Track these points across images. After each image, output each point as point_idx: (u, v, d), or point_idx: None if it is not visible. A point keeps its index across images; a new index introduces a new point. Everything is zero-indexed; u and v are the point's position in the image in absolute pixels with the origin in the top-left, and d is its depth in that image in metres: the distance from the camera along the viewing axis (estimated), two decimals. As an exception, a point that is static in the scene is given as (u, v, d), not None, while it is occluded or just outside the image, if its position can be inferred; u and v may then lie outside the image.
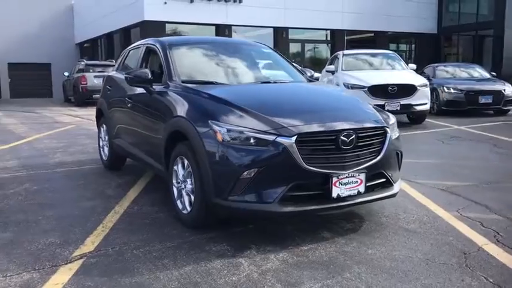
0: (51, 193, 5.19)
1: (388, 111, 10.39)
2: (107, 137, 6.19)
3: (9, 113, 15.92)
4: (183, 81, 4.47)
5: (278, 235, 3.83)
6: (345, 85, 10.84)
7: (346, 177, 3.63)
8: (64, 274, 3.13)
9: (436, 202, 4.68)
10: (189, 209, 3.93)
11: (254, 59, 5.25)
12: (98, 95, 6.86)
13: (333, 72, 12.14)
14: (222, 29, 22.68)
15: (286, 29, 24.47)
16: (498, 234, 3.81)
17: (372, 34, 27.07)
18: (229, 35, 22.89)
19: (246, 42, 5.62)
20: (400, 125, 10.86)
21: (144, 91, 4.73)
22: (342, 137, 3.61)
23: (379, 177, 3.95)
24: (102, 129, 6.42)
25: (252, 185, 3.49)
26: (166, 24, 21.57)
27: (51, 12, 31.86)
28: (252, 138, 3.50)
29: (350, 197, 3.69)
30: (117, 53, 23.95)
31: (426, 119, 11.31)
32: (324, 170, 3.55)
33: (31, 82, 30.26)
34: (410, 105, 10.55)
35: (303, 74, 5.25)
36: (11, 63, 30.10)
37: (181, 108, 4.06)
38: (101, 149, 6.50)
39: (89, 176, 6.05)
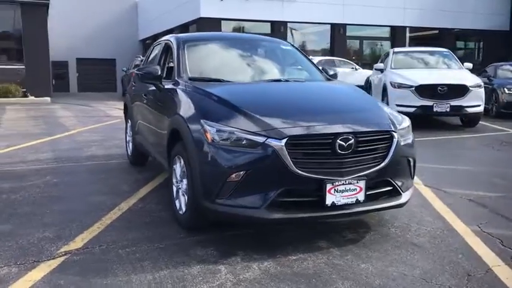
0: (67, 186, 5.28)
1: (436, 112, 9.96)
2: (131, 133, 6.23)
3: (68, 106, 16.63)
4: (190, 79, 4.37)
5: (271, 242, 3.64)
6: (391, 84, 10.38)
7: (343, 184, 3.37)
8: (41, 271, 3.11)
9: (458, 214, 4.29)
10: (184, 209, 3.83)
11: (270, 56, 5.06)
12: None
13: (381, 71, 11.66)
14: (278, 26, 22.52)
15: (343, 25, 23.90)
16: (517, 254, 3.41)
17: (437, 31, 25.87)
18: (285, 32, 22.71)
19: (265, 39, 5.43)
20: (451, 127, 10.32)
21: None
22: (339, 141, 3.35)
23: (384, 185, 3.65)
24: (127, 124, 6.48)
25: (240, 189, 3.32)
26: (222, 21, 21.68)
27: (117, 10, 33.05)
28: (241, 140, 3.33)
29: (347, 205, 3.43)
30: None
31: (481, 122, 10.57)
32: (318, 176, 3.31)
33: (97, 77, 31.59)
34: (462, 107, 9.89)
35: (322, 73, 4.99)
36: (79, 58, 31.52)
37: (181, 106, 3.96)
38: (127, 144, 6.56)
39: (112, 170, 6.11)
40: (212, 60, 4.85)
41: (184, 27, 23.83)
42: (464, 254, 3.41)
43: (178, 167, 3.93)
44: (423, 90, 9.87)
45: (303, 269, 3.16)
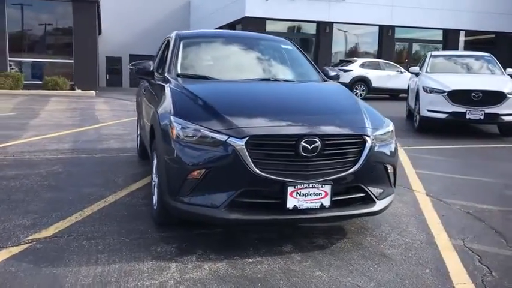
0: (68, 177, 5.44)
1: (469, 120, 9.48)
2: (138, 127, 6.34)
3: (109, 100, 17.18)
4: (178, 75, 4.38)
5: (235, 243, 3.58)
6: (423, 89, 9.98)
7: (306, 187, 3.26)
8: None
9: (447, 226, 4.06)
10: (156, 205, 3.84)
11: (266, 55, 4.98)
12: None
13: (416, 74, 11.24)
14: (323, 26, 22.29)
15: (392, 27, 23.33)
16: (491, 273, 3.17)
17: (493, 35, 24.73)
18: (330, 33, 22.44)
19: (265, 38, 5.35)
20: (486, 136, 9.77)
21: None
22: (302, 143, 3.24)
23: (356, 192, 3.50)
24: (138, 118, 6.60)
25: (200, 187, 3.28)
26: (267, 21, 21.69)
27: (170, 9, 33.82)
28: (204, 137, 3.29)
29: (312, 210, 3.31)
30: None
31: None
32: (279, 178, 3.22)
33: (148, 73, 32.42)
34: (497, 115, 9.33)
35: (319, 73, 4.87)
36: (132, 54, 32.48)
37: (160, 102, 3.97)
38: (137, 138, 6.68)
39: (118, 163, 6.24)
40: (205, 57, 4.84)
41: (230, 27, 24.04)
42: (432, 269, 3.21)
43: (154, 163, 3.94)
44: (456, 95, 9.41)
45: (254, 272, 3.08)
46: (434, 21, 23.22)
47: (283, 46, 5.15)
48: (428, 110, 9.68)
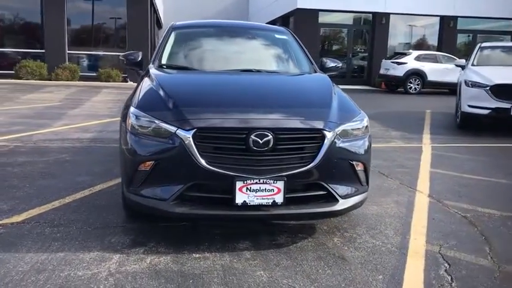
0: (71, 165, 5.58)
1: (512, 116, 8.73)
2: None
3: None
4: (161, 65, 4.36)
5: (194, 237, 3.49)
6: (465, 83, 9.36)
7: (257, 183, 3.11)
8: (-40, 239, 3.33)
9: (431, 231, 3.75)
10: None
11: (256, 45, 4.84)
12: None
13: (462, 67, 10.56)
14: (379, 18, 21.53)
15: (454, 18, 22.10)
16: (450, 284, 2.89)
17: None
18: (387, 24, 21.64)
19: (259, 27, 5.19)
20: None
21: None
22: (253, 137, 3.09)
23: (316, 189, 3.31)
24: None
25: (150, 179, 3.22)
26: (320, 12, 21.28)
27: (229, 1, 34.09)
28: (156, 129, 3.23)
29: (264, 207, 3.16)
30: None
31: None
32: (227, 172, 3.10)
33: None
34: (545, 112, 8.57)
35: (312, 65, 4.66)
36: (191, 47, 33.13)
37: (132, 93, 3.96)
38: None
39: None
40: (193, 47, 4.77)
41: (284, 19, 23.84)
42: (386, 276, 2.96)
43: None
44: (500, 90, 8.73)
45: (192, 268, 2.99)
46: (501, 11, 21.74)
47: (277, 36, 4.98)
48: (470, 106, 9.07)
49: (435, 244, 3.49)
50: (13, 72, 17.57)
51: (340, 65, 4.90)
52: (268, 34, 5.03)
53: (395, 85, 19.45)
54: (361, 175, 3.46)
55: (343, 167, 3.35)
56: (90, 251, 3.21)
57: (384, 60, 19.94)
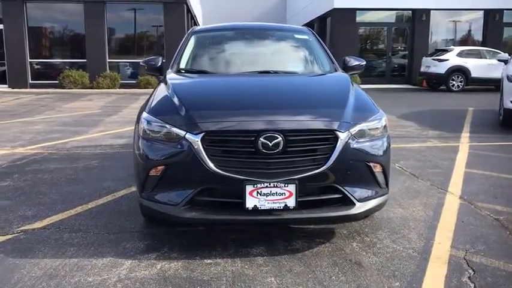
0: (98, 171, 5.66)
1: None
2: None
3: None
4: (179, 70, 4.36)
5: (208, 242, 3.44)
6: (508, 78, 8.94)
7: (267, 186, 3.03)
8: (-21, 246, 3.41)
9: (459, 234, 3.56)
10: (140, 201, 3.83)
11: (275, 46, 4.75)
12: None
13: (505, 62, 10.09)
14: (419, 14, 20.96)
15: (500, 11, 21.20)
16: (473, 292, 2.70)
17: None
18: (427, 21, 21.02)
19: (278, 28, 5.09)
20: None
21: None
22: (262, 139, 3.01)
23: (331, 192, 3.19)
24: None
25: (162, 184, 3.20)
26: (357, 11, 20.93)
27: (267, 4, 34.13)
28: (166, 133, 3.21)
29: (276, 211, 3.07)
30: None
31: None
32: (237, 176, 3.03)
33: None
34: None
35: (333, 64, 4.53)
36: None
37: (147, 99, 3.96)
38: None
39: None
40: (212, 51, 4.74)
41: (321, 20, 23.61)
42: (404, 283, 2.81)
43: None
44: (544, 85, 8.27)
45: (202, 274, 2.94)
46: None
47: (297, 36, 4.87)
48: (512, 101, 8.64)
49: (461, 249, 3.29)
50: (57, 82, 18.19)
51: (364, 63, 4.75)
52: (287, 35, 4.94)
53: (436, 83, 18.85)
54: (380, 177, 3.31)
55: (359, 169, 3.22)
56: (103, 256, 3.21)
57: (424, 58, 19.36)
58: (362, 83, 20.53)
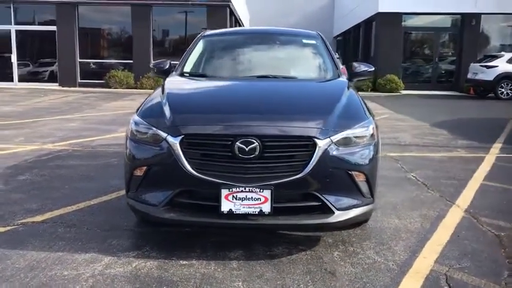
0: (114, 169, 5.84)
1: None
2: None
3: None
4: (182, 74, 4.45)
5: (191, 244, 3.48)
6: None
7: (243, 191, 3.05)
8: (-23, 236, 3.62)
9: (448, 250, 3.44)
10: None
11: (279, 51, 4.76)
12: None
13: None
14: (469, 19, 20.23)
15: (558, 16, 20.11)
16: (442, 310, 2.61)
17: None
18: (477, 26, 20.26)
19: (285, 32, 5.06)
20: None
21: None
22: (238, 144, 3.03)
23: (309, 200, 3.16)
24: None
25: (144, 184, 3.29)
26: (403, 15, 20.48)
27: (315, 6, 33.93)
28: (150, 135, 3.29)
29: (250, 216, 3.08)
30: (362, 45, 24.01)
31: None
32: (214, 179, 3.06)
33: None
34: None
35: (337, 69, 4.47)
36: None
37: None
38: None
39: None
40: (216, 55, 4.80)
41: (366, 24, 23.25)
42: (371, 296, 2.75)
43: None
44: None
45: (173, 275, 2.99)
46: None
47: (304, 41, 4.85)
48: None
49: (445, 264, 3.18)
50: (104, 81, 18.88)
51: (372, 69, 4.65)
52: (295, 39, 4.93)
53: (484, 90, 18.14)
54: (363, 186, 3.25)
55: (340, 177, 3.17)
56: (87, 252, 3.33)
57: (472, 64, 18.66)
58: (405, 89, 20.07)
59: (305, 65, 4.63)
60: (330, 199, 3.15)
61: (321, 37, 4.98)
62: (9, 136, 8.10)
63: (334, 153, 3.12)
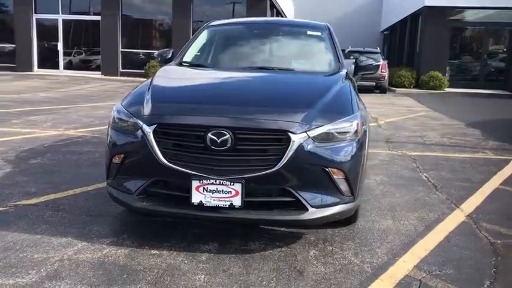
0: (123, 156, 5.92)
1: None
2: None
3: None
4: (180, 63, 4.43)
5: (170, 234, 3.45)
6: None
7: (213, 183, 2.99)
8: (-30, 215, 3.74)
9: (433, 255, 3.25)
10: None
11: (281, 42, 4.65)
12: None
13: None
14: (521, 14, 19.15)
15: None
16: (403, 318, 2.46)
17: None
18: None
19: (293, 23, 4.94)
20: None
21: None
22: (210, 135, 2.97)
23: (284, 195, 3.06)
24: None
25: (122, 172, 3.29)
26: (451, 9, 19.67)
27: (362, 1, 33.19)
28: (129, 123, 3.28)
29: (222, 209, 3.02)
30: (407, 40, 23.35)
31: None
32: (185, 170, 3.02)
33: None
34: None
35: (338, 63, 4.31)
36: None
37: None
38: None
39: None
40: (216, 45, 4.73)
41: (412, 18, 22.54)
42: (332, 298, 2.63)
43: None
44: None
45: (138, 264, 2.97)
46: None
47: (309, 33, 4.71)
48: None
49: (424, 270, 3.00)
50: (143, 71, 19.24)
51: (377, 63, 4.46)
52: (299, 31, 4.79)
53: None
54: (342, 184, 3.11)
55: (316, 174, 3.05)
56: (65, 236, 3.37)
57: (522, 62, 17.73)
58: (450, 87, 19.33)
59: (305, 57, 4.50)
60: (305, 195, 3.04)
61: (328, 29, 4.81)
62: (38, 121, 8.38)
63: (311, 148, 3.00)
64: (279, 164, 2.95)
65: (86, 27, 21.10)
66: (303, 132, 2.99)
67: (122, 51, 20.25)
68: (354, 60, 4.48)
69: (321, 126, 3.07)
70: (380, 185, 4.98)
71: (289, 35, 4.76)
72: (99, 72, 20.38)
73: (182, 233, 3.49)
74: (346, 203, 3.16)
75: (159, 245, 3.26)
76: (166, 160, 3.04)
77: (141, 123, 3.16)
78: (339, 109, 3.30)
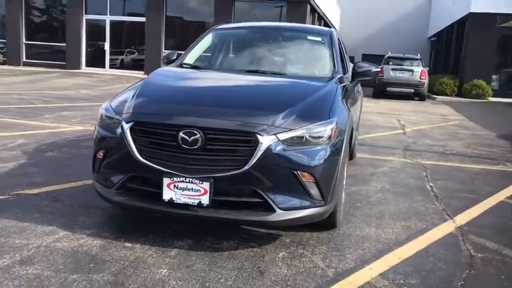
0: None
1: None
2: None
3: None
4: (181, 64, 4.57)
5: (150, 229, 3.57)
6: None
7: (183, 181, 3.09)
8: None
9: (404, 264, 3.21)
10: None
11: (279, 46, 4.69)
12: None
13: None
14: None
15: None
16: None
17: None
18: None
19: (295, 28, 4.94)
20: None
21: None
22: (181, 134, 3.08)
23: (251, 196, 3.13)
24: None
25: (103, 167, 3.45)
26: (498, 16, 18.99)
27: (409, 6, 32.53)
28: (112, 121, 3.43)
29: (190, 206, 3.12)
30: (453, 47, 22.74)
31: None
32: (158, 167, 3.14)
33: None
34: None
35: (334, 68, 4.31)
36: (364, 54, 32.48)
37: None
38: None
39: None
40: (217, 48, 4.84)
41: (459, 25, 21.90)
42: (282, 299, 2.67)
43: None
44: None
45: (108, 255, 3.09)
46: None
47: (309, 38, 4.73)
48: None
49: (387, 278, 2.98)
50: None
51: (376, 69, 4.43)
52: (300, 35, 4.83)
53: None
54: (311, 188, 3.14)
55: (285, 177, 3.09)
56: (51, 225, 3.56)
57: None
58: (495, 96, 18.63)
59: (300, 62, 4.53)
60: (273, 197, 3.09)
61: (330, 35, 4.80)
62: (68, 117, 8.78)
63: (280, 151, 3.05)
64: (247, 165, 3.01)
65: (132, 28, 21.80)
66: (272, 134, 3.04)
67: (164, 52, 20.77)
68: (352, 66, 4.47)
69: (293, 129, 3.11)
70: (379, 192, 4.93)
71: (289, 40, 4.80)
72: (143, 72, 20.98)
73: (162, 228, 3.60)
74: (316, 207, 3.19)
75: (135, 239, 3.38)
76: (142, 157, 3.17)
77: (121, 120, 3.30)
78: (315, 114, 3.32)
